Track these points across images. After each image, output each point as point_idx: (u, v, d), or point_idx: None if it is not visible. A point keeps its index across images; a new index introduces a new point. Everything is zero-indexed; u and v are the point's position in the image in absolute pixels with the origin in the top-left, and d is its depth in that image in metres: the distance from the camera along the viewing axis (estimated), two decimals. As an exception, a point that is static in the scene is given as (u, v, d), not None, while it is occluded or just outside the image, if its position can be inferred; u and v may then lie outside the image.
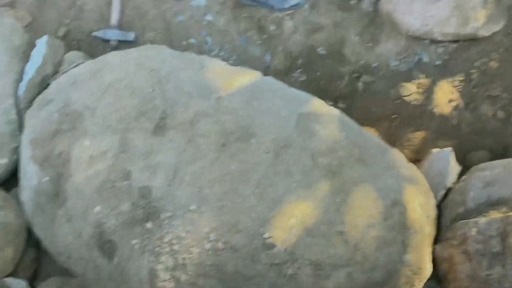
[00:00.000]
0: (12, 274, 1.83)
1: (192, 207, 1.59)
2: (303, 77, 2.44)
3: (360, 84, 2.33)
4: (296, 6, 2.49)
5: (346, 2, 2.47)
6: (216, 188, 1.61)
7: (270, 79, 1.96)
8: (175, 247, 1.56)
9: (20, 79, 1.96)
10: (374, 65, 2.33)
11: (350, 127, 1.85)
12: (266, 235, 1.53)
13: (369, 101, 2.28)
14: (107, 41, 2.50)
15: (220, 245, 1.53)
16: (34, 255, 1.94)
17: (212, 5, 2.52)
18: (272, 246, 1.52)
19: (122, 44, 2.51)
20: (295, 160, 1.69)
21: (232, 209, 1.57)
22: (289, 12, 2.49)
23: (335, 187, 1.64)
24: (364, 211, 1.60)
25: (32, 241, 1.94)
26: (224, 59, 2.48)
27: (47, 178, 1.73)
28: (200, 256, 1.54)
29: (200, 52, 2.49)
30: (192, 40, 2.52)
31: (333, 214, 1.59)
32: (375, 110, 2.26)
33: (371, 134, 1.90)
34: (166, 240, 1.57)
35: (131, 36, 2.48)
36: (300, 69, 2.44)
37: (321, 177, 1.66)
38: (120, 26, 2.50)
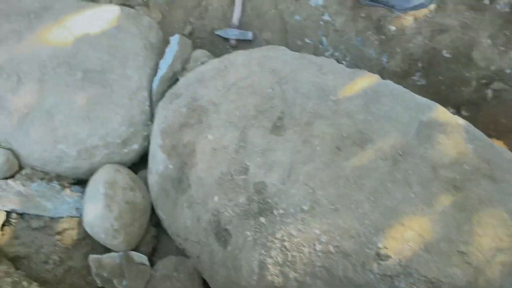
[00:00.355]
0: (136, 249, 2.04)
1: (305, 207, 1.62)
2: (423, 81, 2.32)
3: (489, 92, 2.14)
4: (419, 6, 2.37)
5: (478, 2, 2.28)
6: (330, 190, 1.62)
7: (389, 83, 1.90)
8: (286, 244, 1.60)
9: (154, 74, 2.16)
10: (507, 71, 2.12)
11: (478, 139, 1.71)
12: (379, 245, 1.50)
13: (499, 110, 2.09)
14: (227, 39, 2.65)
15: (331, 248, 1.54)
16: (154, 233, 2.14)
17: (330, 5, 2.51)
18: (385, 256, 1.48)
19: (241, 43, 2.64)
20: (414, 170, 1.62)
21: (345, 213, 1.57)
22: (412, 12, 2.37)
23: (458, 203, 1.54)
24: (491, 233, 1.48)
25: (153, 220, 2.15)
26: (338, 60, 2.46)
27: (173, 166, 1.90)
28: (310, 256, 1.56)
29: (315, 52, 2.50)
30: (307, 40, 2.54)
31: (454, 231, 1.49)
32: (506, 121, 2.06)
33: (502, 148, 1.73)
34: (277, 236, 1.62)
35: (249, 35, 2.58)
36: (419, 73, 2.32)
37: (443, 191, 1.57)
38: (240, 26, 2.63)
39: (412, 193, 1.57)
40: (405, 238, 1.50)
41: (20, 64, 2.03)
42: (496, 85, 2.12)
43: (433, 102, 1.83)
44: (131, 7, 2.80)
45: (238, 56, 2.03)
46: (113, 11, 2.25)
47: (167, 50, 2.18)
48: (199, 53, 2.24)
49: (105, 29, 2.17)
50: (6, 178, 1.96)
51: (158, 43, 2.28)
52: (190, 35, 2.71)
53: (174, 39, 2.19)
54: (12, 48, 2.08)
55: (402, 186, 1.58)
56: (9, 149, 1.99)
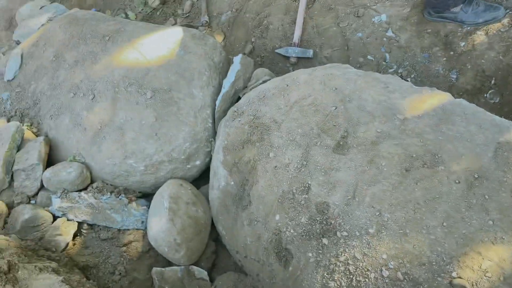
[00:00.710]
0: (196, 263, 2.06)
1: (371, 230, 1.56)
2: (496, 99, 2.17)
3: None
4: (492, 21, 2.24)
5: (559, 14, 2.12)
6: (398, 214, 1.55)
7: (462, 102, 1.80)
8: (350, 268, 1.54)
9: (217, 92, 2.22)
10: None
11: None
12: (454, 274, 1.40)
13: None
14: (287, 57, 2.66)
15: (399, 275, 1.46)
16: (214, 248, 2.16)
17: (394, 21, 2.45)
18: (460, 287, 1.38)
19: (301, 61, 2.64)
20: (491, 194, 1.51)
21: (415, 239, 1.49)
22: (483, 27, 2.25)
23: (543, 233, 1.41)
24: None
25: (213, 235, 2.18)
26: (402, 76, 2.39)
27: (234, 182, 1.92)
28: (376, 282, 1.49)
29: (378, 69, 2.45)
30: (369, 57, 2.49)
31: (540, 264, 1.36)
32: None
33: None
34: (341, 259, 1.57)
35: (310, 53, 2.58)
36: (492, 90, 2.19)
37: (525, 218, 1.44)
38: (300, 43, 2.63)
39: (490, 220, 1.46)
40: (482, 269, 1.39)
41: (96, 83, 2.18)
42: None
43: (511, 122, 1.71)
44: (195, 28, 2.91)
45: (300, 74, 2.03)
46: (179, 32, 2.35)
47: (230, 69, 2.22)
48: (260, 71, 2.26)
49: (172, 50, 2.27)
50: (80, 191, 2.08)
51: (221, 62, 2.34)
52: (250, 53, 2.75)
53: (237, 59, 2.24)
54: (88, 69, 2.24)
55: (479, 212, 1.48)
56: (83, 163, 2.12)
